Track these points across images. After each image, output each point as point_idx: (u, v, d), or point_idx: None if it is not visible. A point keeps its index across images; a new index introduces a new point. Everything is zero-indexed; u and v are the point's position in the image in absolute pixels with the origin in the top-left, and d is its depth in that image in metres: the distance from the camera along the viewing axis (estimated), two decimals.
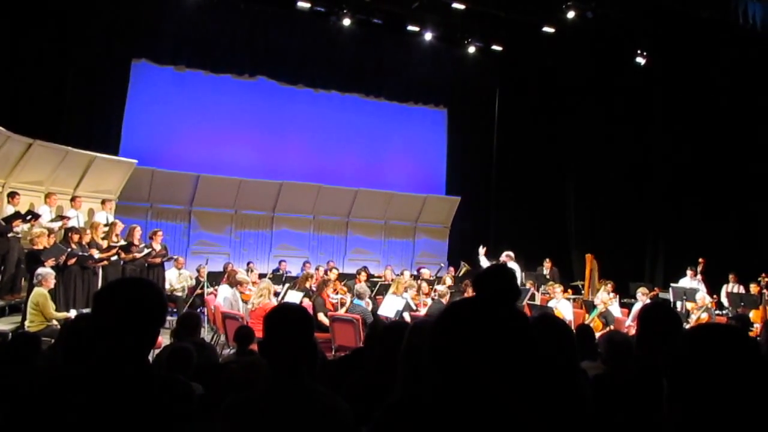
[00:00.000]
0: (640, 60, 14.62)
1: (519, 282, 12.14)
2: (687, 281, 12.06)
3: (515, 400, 1.20)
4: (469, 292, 10.31)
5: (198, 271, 11.40)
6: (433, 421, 1.26)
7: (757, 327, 9.02)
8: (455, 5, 13.68)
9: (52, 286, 7.82)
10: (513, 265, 11.82)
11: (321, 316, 8.90)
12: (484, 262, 11.78)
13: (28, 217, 9.58)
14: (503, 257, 11.94)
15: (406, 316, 8.90)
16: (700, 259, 12.09)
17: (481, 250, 12.12)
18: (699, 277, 12.02)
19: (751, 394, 1.21)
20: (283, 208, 15.17)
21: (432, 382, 1.26)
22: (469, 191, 16.99)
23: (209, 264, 11.60)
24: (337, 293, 10.02)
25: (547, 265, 13.89)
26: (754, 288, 11.05)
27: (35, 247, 8.67)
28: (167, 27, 13.78)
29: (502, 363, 1.20)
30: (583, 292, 13.16)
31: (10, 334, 7.40)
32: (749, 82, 13.14)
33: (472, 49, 16.10)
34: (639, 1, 13.09)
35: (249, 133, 15.03)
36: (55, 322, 7.39)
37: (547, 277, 13.23)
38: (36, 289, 7.53)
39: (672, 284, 12.00)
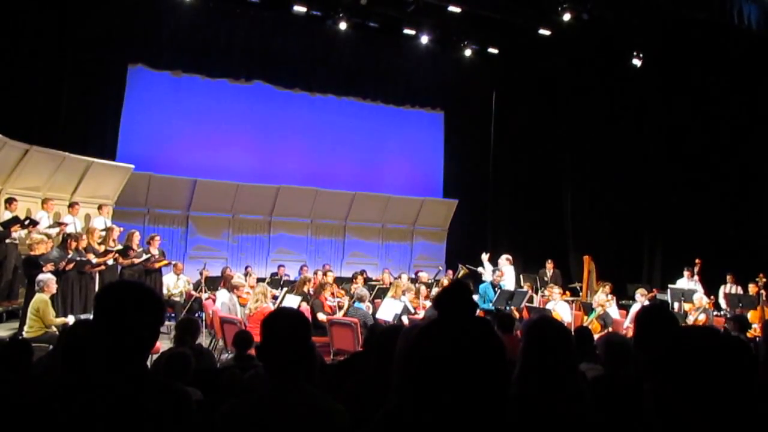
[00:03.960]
0: (636, 61, 14.64)
1: (516, 284, 12.16)
2: (684, 282, 12.07)
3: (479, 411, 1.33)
4: None
5: (201, 273, 11.36)
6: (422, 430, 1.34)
7: (755, 327, 9.03)
8: (451, 8, 13.68)
9: (54, 291, 7.82)
10: (508, 268, 11.83)
11: (320, 316, 8.90)
12: (487, 267, 11.76)
13: (27, 223, 9.56)
14: (502, 260, 11.95)
15: (405, 320, 8.91)
16: (697, 260, 12.10)
17: (485, 256, 12.11)
18: (696, 278, 12.03)
19: (737, 396, 1.25)
20: (281, 212, 15.17)
21: (411, 397, 1.39)
22: (467, 194, 17.00)
23: (206, 268, 11.58)
24: (334, 296, 10.03)
25: (549, 266, 13.89)
26: (752, 288, 11.04)
27: (33, 253, 8.65)
28: (163, 32, 13.78)
29: (465, 377, 1.32)
30: (581, 293, 13.17)
31: (8, 340, 7.38)
32: (746, 82, 13.17)
33: (468, 52, 16.12)
34: (634, 2, 13.12)
35: (246, 138, 15.03)
36: (53, 328, 7.37)
37: (549, 278, 13.25)
38: (38, 295, 7.51)
39: (670, 285, 12.01)
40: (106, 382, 1.79)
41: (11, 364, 3.86)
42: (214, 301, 9.79)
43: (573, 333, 5.84)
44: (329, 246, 15.96)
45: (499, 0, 13.60)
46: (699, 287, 11.57)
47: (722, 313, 11.14)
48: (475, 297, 9.97)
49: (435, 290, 10.73)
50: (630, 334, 7.86)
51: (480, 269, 12.04)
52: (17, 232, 9.53)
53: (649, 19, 13.54)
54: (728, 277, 12.04)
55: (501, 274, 11.11)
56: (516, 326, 6.74)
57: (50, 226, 10.13)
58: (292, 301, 9.32)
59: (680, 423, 1.27)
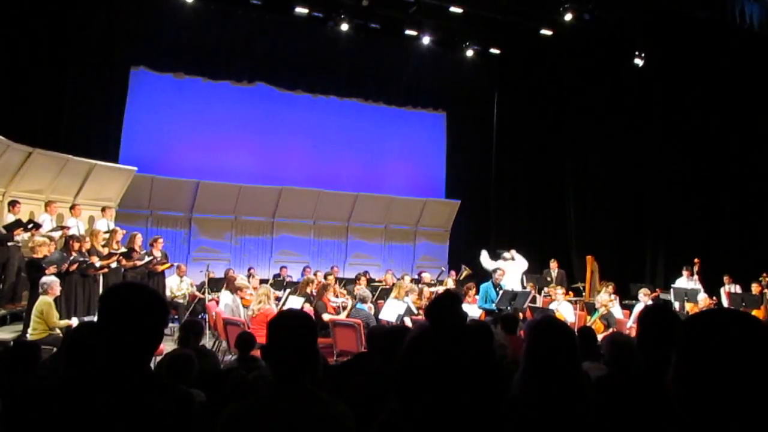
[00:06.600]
0: (638, 61, 14.63)
1: (522, 282, 12.07)
2: (684, 281, 12.04)
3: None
4: (471, 295, 10.32)
5: (206, 275, 11.36)
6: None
7: None
8: (453, 9, 13.70)
9: (57, 293, 7.82)
10: (519, 257, 11.80)
11: (324, 316, 8.90)
12: (487, 263, 11.69)
13: (29, 226, 9.58)
14: (507, 255, 11.88)
15: (408, 321, 8.90)
16: (696, 259, 12.06)
17: (484, 254, 12.03)
18: (695, 277, 12.00)
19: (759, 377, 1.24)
20: (283, 213, 15.18)
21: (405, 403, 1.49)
22: (469, 194, 16.99)
23: (209, 270, 11.58)
24: (338, 297, 10.03)
25: (553, 265, 13.85)
26: (755, 288, 11.02)
27: (36, 256, 8.66)
28: (165, 34, 13.79)
29: (452, 386, 1.42)
30: (583, 293, 13.14)
31: (12, 342, 7.39)
32: (747, 81, 13.14)
33: (470, 53, 16.13)
34: (636, 2, 13.11)
35: (248, 139, 15.04)
36: (57, 330, 7.38)
37: (555, 279, 13.20)
38: (41, 298, 7.52)
39: (673, 285, 11.99)
40: (109, 383, 1.79)
41: (18, 365, 3.87)
42: (217, 302, 9.81)
43: (576, 333, 5.83)
44: (332, 247, 15.96)
45: (501, 0, 13.60)
46: (699, 286, 11.54)
47: None
48: (477, 298, 9.96)
49: (438, 291, 10.71)
50: (633, 333, 7.85)
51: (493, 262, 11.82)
52: (20, 235, 9.54)
53: (650, 19, 13.53)
54: (725, 278, 11.97)
55: (502, 272, 11.04)
56: (519, 326, 6.74)
57: (53, 229, 10.14)
58: (295, 302, 9.30)
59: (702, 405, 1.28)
